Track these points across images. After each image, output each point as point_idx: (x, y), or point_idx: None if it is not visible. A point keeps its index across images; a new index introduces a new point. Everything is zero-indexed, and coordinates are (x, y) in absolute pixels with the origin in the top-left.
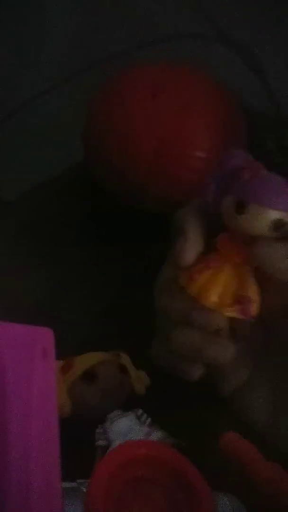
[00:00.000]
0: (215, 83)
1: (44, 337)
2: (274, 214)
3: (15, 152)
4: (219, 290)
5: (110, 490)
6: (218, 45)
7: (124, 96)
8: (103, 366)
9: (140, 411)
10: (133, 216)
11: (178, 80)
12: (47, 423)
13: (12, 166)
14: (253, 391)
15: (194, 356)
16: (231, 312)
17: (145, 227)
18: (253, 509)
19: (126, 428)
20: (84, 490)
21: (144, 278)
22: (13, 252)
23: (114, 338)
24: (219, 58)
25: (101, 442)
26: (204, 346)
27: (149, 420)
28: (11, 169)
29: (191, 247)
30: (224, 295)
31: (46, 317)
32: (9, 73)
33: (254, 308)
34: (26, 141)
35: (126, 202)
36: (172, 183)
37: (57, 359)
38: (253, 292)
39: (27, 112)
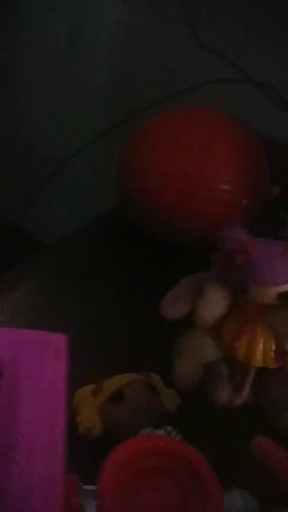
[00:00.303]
0: (235, 122)
1: (56, 340)
2: (277, 289)
3: (61, 199)
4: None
5: (120, 481)
6: (247, 88)
7: (149, 142)
8: (131, 386)
9: (170, 427)
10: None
11: (198, 122)
12: (55, 413)
13: (58, 213)
14: None
15: None
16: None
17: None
18: (270, 505)
19: None
20: None
21: None
22: (60, 285)
23: (148, 361)
24: (248, 100)
25: None
26: None
27: (179, 436)
28: (57, 217)
29: (212, 307)
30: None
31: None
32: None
33: None
34: (69, 190)
35: (159, 238)
36: (198, 217)
37: (90, 383)
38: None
39: (68, 164)
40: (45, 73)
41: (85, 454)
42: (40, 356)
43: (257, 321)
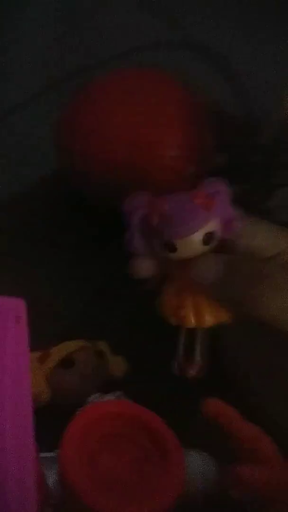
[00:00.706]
0: (182, 86)
1: (16, 306)
2: (197, 236)
3: None
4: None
5: (83, 446)
6: (188, 52)
7: (94, 103)
8: (80, 353)
9: (118, 393)
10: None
11: (145, 84)
12: (20, 381)
13: None
14: None
15: None
16: None
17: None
18: (226, 463)
19: None
20: None
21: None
22: None
23: (94, 329)
24: (191, 64)
25: None
26: None
27: (129, 401)
28: None
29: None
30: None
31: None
32: None
33: None
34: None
35: (102, 203)
36: (147, 183)
37: (35, 350)
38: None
39: (3, 125)
40: None
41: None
42: (1, 322)
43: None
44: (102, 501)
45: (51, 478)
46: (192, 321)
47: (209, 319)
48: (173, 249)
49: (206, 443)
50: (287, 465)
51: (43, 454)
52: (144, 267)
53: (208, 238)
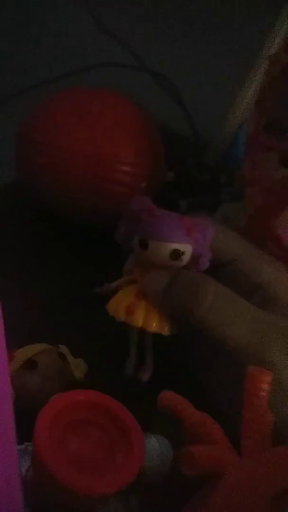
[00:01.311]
0: (135, 106)
1: None
2: (169, 246)
3: None
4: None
5: (53, 431)
6: (141, 75)
7: (53, 118)
8: (43, 355)
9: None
10: (67, 230)
11: (101, 103)
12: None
13: None
14: None
15: None
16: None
17: (79, 239)
18: (181, 446)
19: None
20: (31, 448)
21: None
22: None
23: (55, 335)
24: (142, 87)
25: None
26: None
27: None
28: None
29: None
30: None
31: None
32: None
33: None
34: None
35: (59, 216)
36: (102, 197)
37: None
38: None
39: None
40: None
41: None
42: None
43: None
44: (72, 478)
45: (24, 466)
46: (140, 321)
47: (155, 325)
48: (145, 246)
49: (163, 429)
50: (231, 445)
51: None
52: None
53: (175, 254)
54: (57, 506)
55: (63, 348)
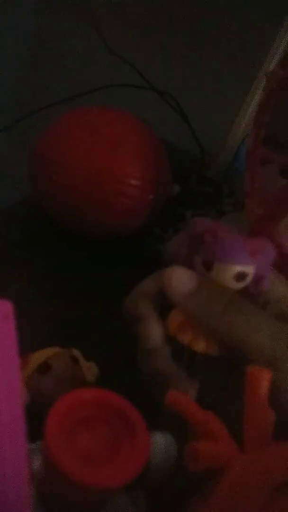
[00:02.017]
0: (141, 123)
1: (3, 306)
2: (235, 269)
3: None
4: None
5: (64, 427)
6: (147, 93)
7: (64, 138)
8: (57, 358)
9: None
10: (78, 241)
11: (109, 121)
12: (11, 378)
13: None
14: None
15: None
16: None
17: (89, 248)
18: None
19: None
20: None
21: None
22: None
23: (67, 339)
24: (149, 105)
25: None
26: None
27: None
28: None
29: (154, 330)
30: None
31: None
32: None
33: None
34: None
35: (71, 229)
36: (109, 210)
37: None
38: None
39: None
40: None
41: None
42: None
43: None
44: (79, 471)
45: (35, 463)
46: (201, 345)
47: (202, 345)
48: (210, 268)
49: (170, 427)
50: (233, 442)
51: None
52: (186, 278)
53: (240, 276)
54: (66, 502)
55: (76, 352)
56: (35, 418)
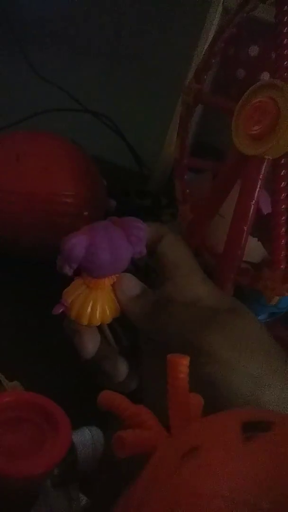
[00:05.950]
0: (69, 143)
1: None
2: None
3: None
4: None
5: None
6: (82, 115)
7: None
8: None
9: (15, 382)
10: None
11: (36, 143)
12: None
13: None
14: None
15: None
16: None
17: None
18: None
19: None
20: None
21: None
22: None
23: None
24: (85, 127)
25: None
26: None
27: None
28: None
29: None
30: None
31: None
32: None
33: None
34: None
35: (11, 255)
36: (47, 229)
37: None
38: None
39: None
40: None
41: None
42: None
43: None
44: (6, 466)
45: None
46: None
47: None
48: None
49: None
50: (164, 429)
51: None
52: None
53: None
54: None
55: None
56: None
